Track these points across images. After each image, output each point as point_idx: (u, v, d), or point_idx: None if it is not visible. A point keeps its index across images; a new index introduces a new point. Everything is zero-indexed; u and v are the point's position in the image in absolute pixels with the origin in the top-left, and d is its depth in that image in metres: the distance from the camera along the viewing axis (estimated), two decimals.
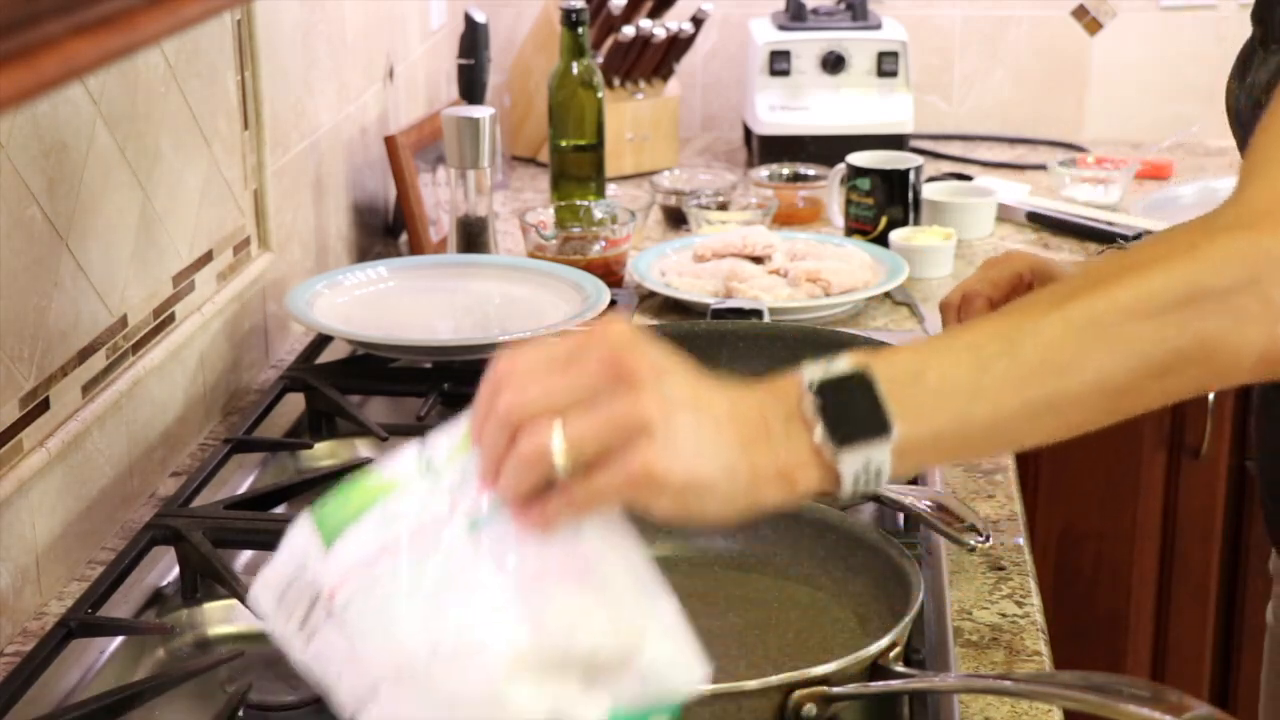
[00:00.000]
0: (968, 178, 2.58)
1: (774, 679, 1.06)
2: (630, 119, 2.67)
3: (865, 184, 2.24)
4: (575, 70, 2.33)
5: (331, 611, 0.85)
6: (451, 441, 0.88)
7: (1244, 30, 1.44)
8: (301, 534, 0.88)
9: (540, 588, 0.84)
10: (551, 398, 0.85)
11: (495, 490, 0.86)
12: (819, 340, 1.59)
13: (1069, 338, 0.92)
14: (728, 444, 0.88)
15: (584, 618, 0.84)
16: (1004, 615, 1.36)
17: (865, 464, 0.89)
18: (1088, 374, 0.92)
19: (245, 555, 1.48)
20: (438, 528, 0.84)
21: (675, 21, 2.64)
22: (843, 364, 0.91)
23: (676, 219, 2.43)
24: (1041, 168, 2.66)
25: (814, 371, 0.91)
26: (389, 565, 0.84)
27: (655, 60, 2.67)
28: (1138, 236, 2.16)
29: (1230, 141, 1.45)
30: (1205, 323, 0.93)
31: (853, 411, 0.90)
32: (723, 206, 2.36)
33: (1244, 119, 1.34)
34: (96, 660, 1.29)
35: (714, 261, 2.12)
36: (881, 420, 0.90)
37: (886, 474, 0.90)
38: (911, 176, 2.24)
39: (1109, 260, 1.10)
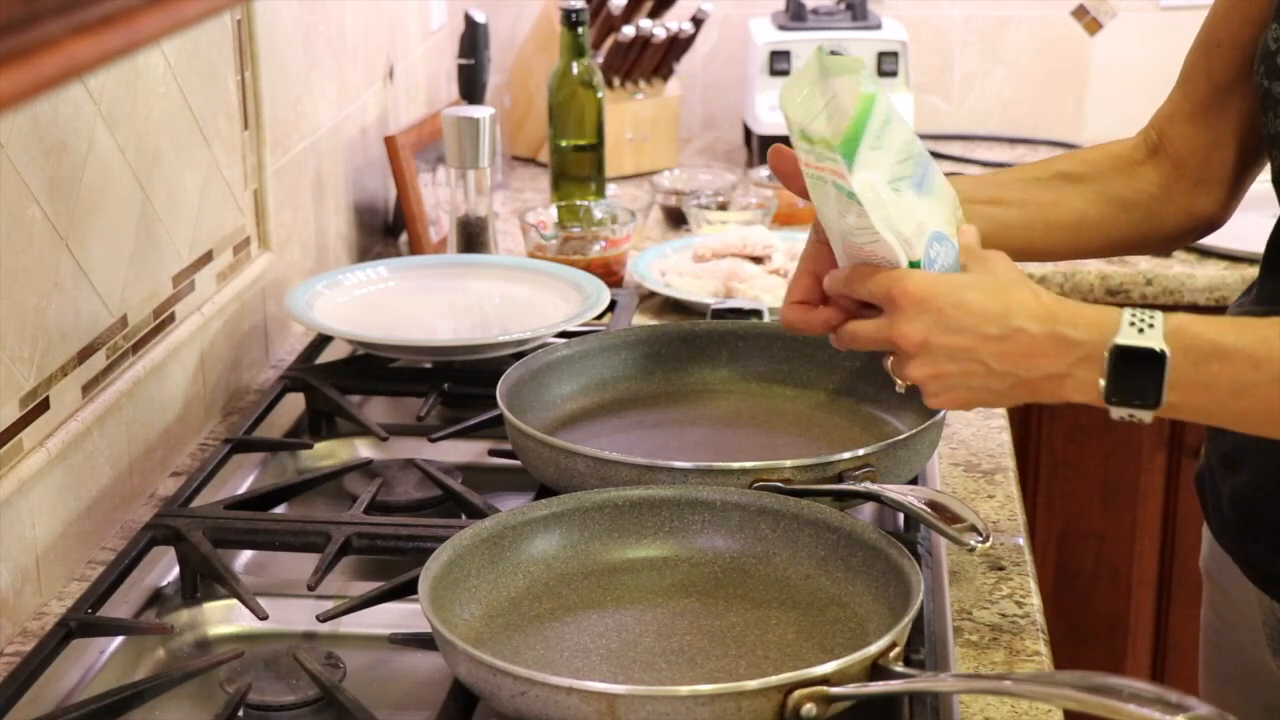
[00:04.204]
0: None
1: (774, 679, 1.06)
2: (630, 119, 2.67)
3: None
4: (575, 70, 2.34)
5: None
6: (823, 123, 1.16)
7: None
8: None
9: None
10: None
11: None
12: (819, 340, 1.59)
13: None
14: (996, 374, 1.16)
15: None
16: (1004, 615, 1.36)
17: (1129, 415, 1.15)
18: None
19: (245, 555, 1.49)
20: (819, 170, 1.19)
21: (675, 21, 2.64)
22: (1154, 335, 1.13)
23: (676, 219, 2.43)
24: None
25: (1128, 332, 1.13)
26: (801, 168, 1.21)
27: (655, 60, 2.67)
28: None
29: None
30: None
31: (1136, 383, 1.14)
32: (723, 206, 2.36)
33: None
34: (96, 660, 1.30)
35: (714, 261, 2.12)
36: (1157, 396, 1.14)
37: (1149, 422, 1.16)
38: None
39: None
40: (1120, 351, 1.14)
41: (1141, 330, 1.14)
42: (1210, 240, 1.59)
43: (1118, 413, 1.16)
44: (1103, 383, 1.14)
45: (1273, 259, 1.42)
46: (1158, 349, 1.13)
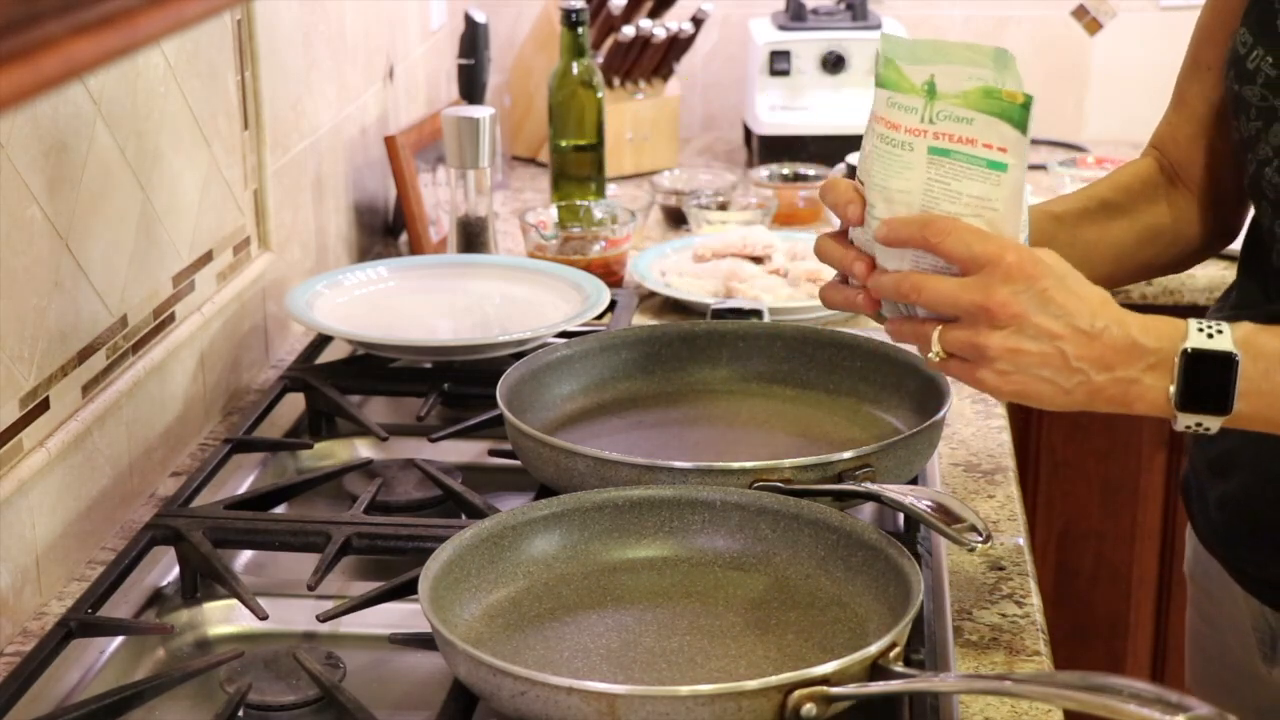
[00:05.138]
0: None
1: (774, 679, 1.06)
2: (630, 119, 2.67)
3: None
4: (575, 70, 2.34)
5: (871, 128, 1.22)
6: (963, 84, 1.16)
7: None
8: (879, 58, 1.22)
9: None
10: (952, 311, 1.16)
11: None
12: (819, 340, 1.59)
13: None
14: (1070, 370, 1.13)
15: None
16: (1004, 615, 1.36)
17: (1197, 423, 1.15)
18: None
19: (245, 555, 1.49)
20: (913, 135, 1.18)
21: (675, 21, 2.64)
22: (1224, 340, 1.13)
23: (676, 219, 2.43)
24: (1042, 168, 2.66)
25: (1198, 337, 1.13)
26: (882, 132, 1.19)
27: (655, 60, 2.67)
28: None
29: None
30: None
31: (1207, 389, 1.13)
32: (723, 206, 2.36)
33: None
34: (96, 660, 1.30)
35: (714, 261, 2.12)
36: (1225, 403, 1.13)
37: (1214, 431, 1.15)
38: None
39: None
40: (1192, 356, 1.13)
41: (1211, 336, 1.13)
42: None
43: (1185, 420, 1.15)
44: (1172, 389, 1.13)
45: (1249, 261, 1.43)
46: (1230, 352, 1.13)
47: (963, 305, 1.15)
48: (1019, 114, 1.15)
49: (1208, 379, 1.13)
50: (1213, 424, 1.15)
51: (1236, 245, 1.50)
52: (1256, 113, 1.32)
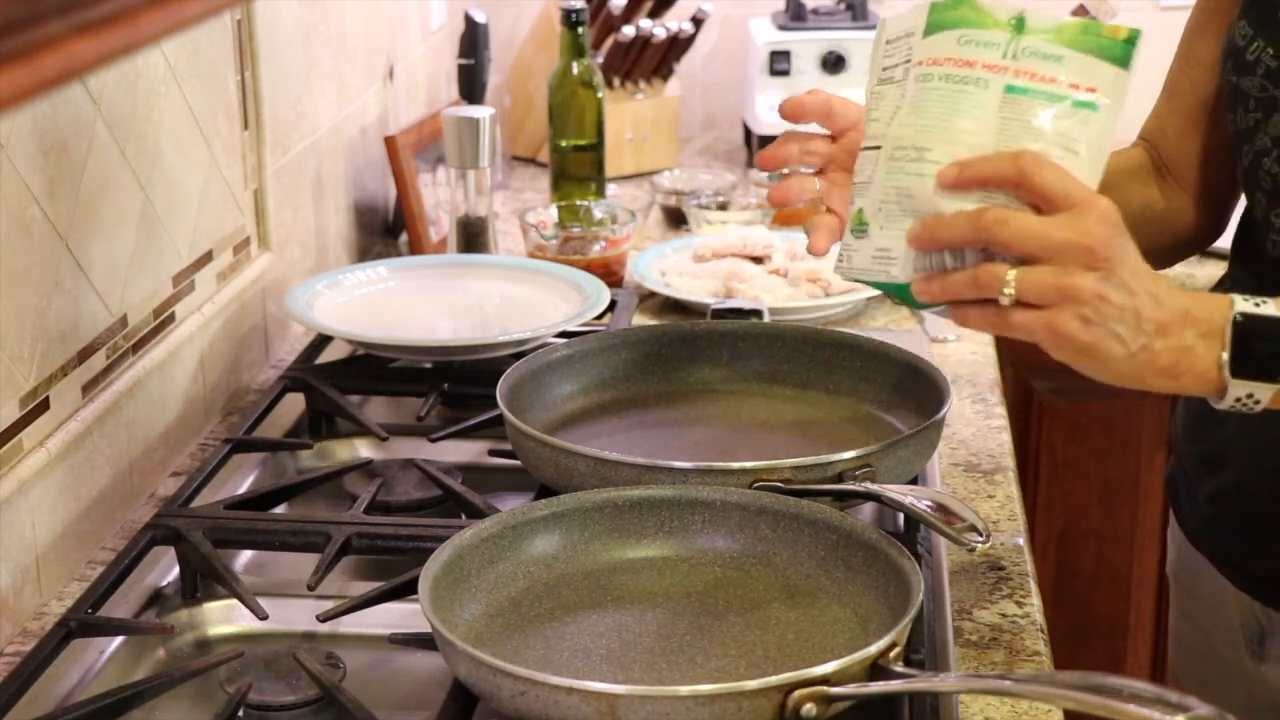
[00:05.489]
0: None
1: (774, 679, 1.06)
2: (630, 119, 2.67)
3: None
4: (575, 70, 2.34)
5: (909, 75, 1.15)
6: (1053, 22, 1.11)
7: None
8: (918, 14, 1.15)
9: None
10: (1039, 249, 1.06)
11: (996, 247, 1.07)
12: (819, 340, 1.59)
13: None
14: (1140, 330, 1.08)
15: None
16: (1004, 615, 1.36)
17: (1248, 394, 1.11)
18: None
19: (245, 555, 1.49)
20: (990, 71, 1.10)
21: (675, 21, 2.64)
22: (1270, 308, 1.11)
23: (676, 219, 2.43)
24: None
25: (1245, 304, 1.11)
26: (948, 71, 1.12)
27: (655, 60, 2.67)
28: None
29: None
30: None
31: (1259, 352, 1.10)
32: (723, 206, 2.36)
33: None
34: (96, 660, 1.30)
35: (714, 261, 2.12)
36: (1278, 369, 1.10)
37: (1262, 406, 1.12)
38: None
39: None
40: (1243, 321, 1.11)
41: (1257, 305, 1.12)
42: None
43: (1236, 390, 1.11)
44: (1225, 355, 1.10)
45: (1241, 252, 1.43)
46: (1279, 317, 1.11)
47: (1055, 242, 1.06)
48: (1120, 50, 1.09)
49: (1259, 343, 1.11)
50: (1264, 394, 1.11)
51: (1225, 244, 1.50)
52: (1255, 104, 1.32)
